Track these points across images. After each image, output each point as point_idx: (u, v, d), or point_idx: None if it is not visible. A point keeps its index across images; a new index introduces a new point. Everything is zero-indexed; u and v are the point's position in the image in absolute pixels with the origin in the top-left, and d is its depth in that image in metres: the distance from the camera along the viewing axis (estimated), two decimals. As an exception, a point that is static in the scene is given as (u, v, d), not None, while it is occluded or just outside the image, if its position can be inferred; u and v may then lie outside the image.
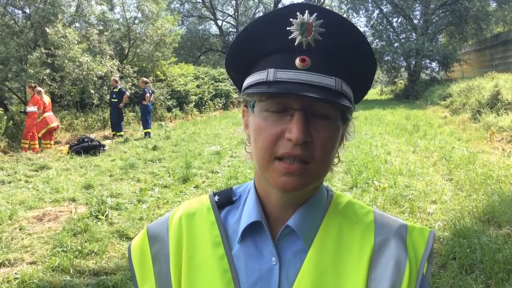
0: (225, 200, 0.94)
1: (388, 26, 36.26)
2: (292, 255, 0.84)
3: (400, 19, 35.74)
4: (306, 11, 0.75)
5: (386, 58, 35.49)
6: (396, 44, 34.57)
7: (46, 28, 14.82)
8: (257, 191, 0.89)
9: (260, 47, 0.81)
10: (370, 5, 36.76)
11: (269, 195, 0.86)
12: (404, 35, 35.42)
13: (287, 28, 0.76)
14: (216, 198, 0.94)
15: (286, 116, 0.76)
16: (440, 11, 32.75)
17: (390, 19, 36.03)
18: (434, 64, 34.60)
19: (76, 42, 15.23)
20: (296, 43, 0.76)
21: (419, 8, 34.73)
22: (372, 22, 36.94)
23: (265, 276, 0.83)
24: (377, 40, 35.97)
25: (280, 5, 42.37)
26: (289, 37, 0.76)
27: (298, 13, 0.75)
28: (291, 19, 0.76)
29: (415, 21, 34.71)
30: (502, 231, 5.03)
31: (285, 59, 0.78)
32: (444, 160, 9.06)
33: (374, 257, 0.82)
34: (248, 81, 0.82)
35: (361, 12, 37.93)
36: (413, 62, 32.65)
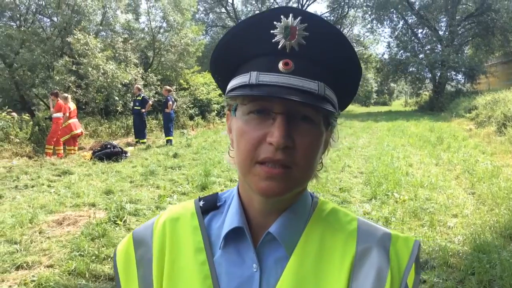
0: (209, 206, 0.93)
1: (413, 37, 36.00)
2: (273, 262, 0.83)
3: (425, 30, 35.48)
4: (290, 15, 0.75)
5: (410, 69, 35.22)
6: (421, 55, 34.27)
7: (67, 38, 15.14)
8: (241, 197, 0.88)
9: (244, 49, 0.80)
10: (394, 16, 36.62)
11: (252, 201, 0.85)
12: (429, 46, 35.11)
13: (271, 32, 0.76)
14: (201, 203, 0.94)
15: (269, 119, 0.76)
16: (466, 22, 32.38)
17: (415, 30, 35.79)
18: (459, 76, 34.18)
19: (98, 49, 15.50)
20: (279, 47, 0.76)
21: (444, 19, 34.42)
22: (396, 33, 36.78)
23: (245, 283, 0.82)
24: (401, 51, 35.72)
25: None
26: (273, 40, 0.76)
27: (282, 17, 0.75)
28: (275, 23, 0.75)
29: (441, 32, 34.40)
30: (524, 247, 4.90)
31: (269, 62, 0.77)
32: (467, 173, 8.89)
33: (355, 266, 0.81)
34: (232, 84, 0.82)
35: (385, 23, 37.82)
36: (438, 74, 32.31)
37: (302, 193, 0.87)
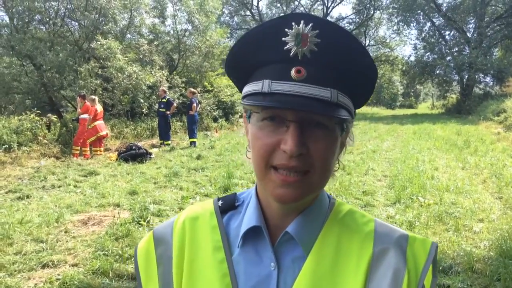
0: (228, 205, 0.95)
1: (440, 39, 35.46)
2: (291, 261, 0.84)
3: (452, 32, 34.87)
4: (302, 22, 0.74)
5: (437, 72, 34.71)
6: (448, 58, 33.72)
7: (91, 44, 15.42)
8: (259, 197, 0.89)
9: (257, 57, 0.80)
10: (421, 17, 36.12)
11: (269, 201, 0.86)
12: (456, 48, 34.52)
13: (283, 39, 0.75)
14: (220, 203, 0.96)
15: (282, 126, 0.76)
16: (495, 24, 31.70)
17: (442, 32, 35.24)
18: (488, 79, 33.50)
19: (119, 52, 15.71)
20: (291, 54, 0.76)
21: (473, 21, 33.78)
22: (423, 35, 36.30)
23: (263, 281, 0.83)
24: (428, 53, 35.21)
25: (329, 19, 42.35)
26: (285, 47, 0.76)
27: (293, 24, 0.74)
28: (286, 30, 0.75)
29: (469, 34, 33.77)
30: (553, 253, 4.77)
31: (281, 70, 0.77)
32: (494, 177, 8.71)
33: (372, 267, 0.81)
34: (246, 90, 0.83)
35: (412, 25, 37.32)
36: (466, 76, 31.75)
37: (319, 194, 0.88)
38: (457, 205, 6.87)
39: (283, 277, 0.83)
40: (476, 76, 31.60)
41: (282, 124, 0.76)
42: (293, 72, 0.75)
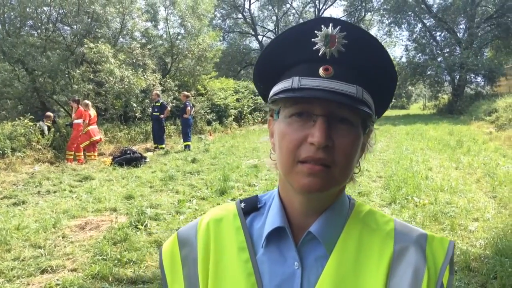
0: (250, 207, 0.97)
1: (431, 40, 35.67)
2: (314, 260, 0.87)
3: (443, 33, 35.08)
4: (330, 24, 0.80)
5: (429, 72, 34.89)
6: (439, 58, 33.93)
7: (81, 48, 15.39)
8: (281, 198, 0.92)
9: (286, 57, 0.85)
10: (412, 19, 36.33)
11: (292, 202, 0.89)
12: (447, 49, 34.74)
13: (312, 40, 0.80)
14: (242, 205, 0.98)
15: (309, 121, 0.80)
16: (486, 24, 31.95)
17: (433, 33, 35.44)
18: (479, 79, 33.71)
19: (111, 55, 15.70)
20: (320, 54, 0.80)
21: (463, 21, 34.03)
22: (414, 36, 36.47)
23: (287, 280, 0.86)
24: (419, 54, 35.40)
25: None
26: (314, 48, 0.80)
27: (322, 26, 0.80)
28: (316, 32, 0.80)
29: (459, 35, 34.01)
30: (547, 251, 4.83)
31: (310, 68, 0.82)
32: (488, 177, 8.79)
33: (393, 264, 0.84)
34: (274, 89, 0.87)
35: (403, 26, 37.51)
36: (457, 77, 31.95)
37: (340, 195, 0.91)
38: (452, 204, 6.93)
39: (307, 276, 0.86)
40: (467, 77, 31.77)
41: (309, 119, 0.80)
42: (321, 70, 0.80)
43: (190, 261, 0.94)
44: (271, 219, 0.91)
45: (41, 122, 12.89)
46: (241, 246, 0.92)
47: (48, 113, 13.63)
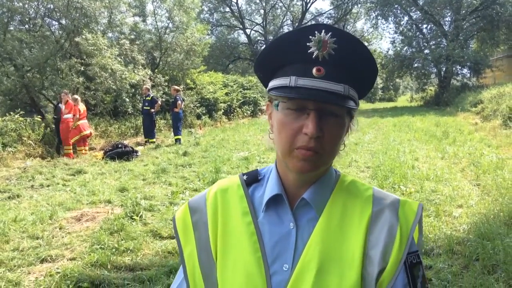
0: (252, 179, 1.15)
1: (417, 33, 35.98)
2: (306, 221, 1.04)
3: (430, 26, 35.39)
4: (323, 31, 0.94)
5: (415, 65, 35.22)
6: (426, 51, 34.26)
7: (76, 38, 15.37)
8: (278, 172, 1.09)
9: (285, 56, 1.00)
10: (399, 11, 36.58)
11: (287, 176, 1.06)
12: (434, 42, 35.09)
13: (307, 44, 0.95)
14: (245, 177, 1.16)
15: (304, 114, 0.96)
16: (471, 16, 32.29)
17: (420, 25, 35.76)
18: (465, 70, 34.14)
19: (106, 48, 15.73)
20: (313, 56, 0.95)
21: (449, 14, 34.36)
22: (401, 29, 36.74)
23: (284, 238, 1.03)
24: (406, 47, 35.69)
25: (307, 15, 42.62)
26: (308, 51, 0.95)
27: (316, 32, 0.94)
28: (310, 37, 0.95)
29: (446, 27, 34.34)
30: (527, 234, 5.06)
31: (304, 68, 0.97)
32: (472, 166, 9.04)
33: (371, 224, 1.02)
34: (274, 83, 1.02)
35: (390, 18, 37.76)
36: (444, 69, 32.32)
37: (328, 168, 1.09)
38: (437, 192, 7.17)
39: (301, 234, 1.03)
40: (454, 68, 32.15)
41: (304, 112, 0.96)
42: (314, 70, 0.95)
43: (200, 225, 1.11)
44: (270, 188, 1.09)
45: (60, 105, 12.86)
46: (245, 211, 1.09)
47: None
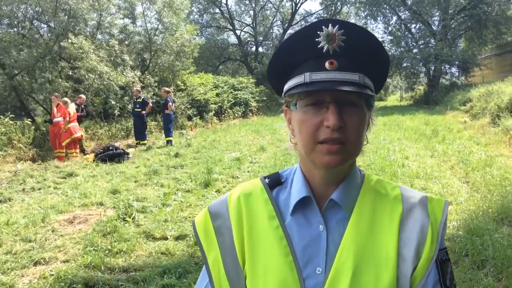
0: (274, 182, 1.14)
1: (406, 32, 36.17)
2: (336, 223, 1.03)
3: (418, 25, 35.63)
4: (330, 24, 0.95)
5: (405, 65, 35.39)
6: (415, 50, 34.48)
7: (62, 43, 15.31)
8: (303, 173, 1.09)
9: (296, 56, 1.01)
10: (388, 11, 36.79)
11: (313, 176, 1.05)
12: (422, 41, 35.34)
13: (316, 39, 0.96)
14: (267, 180, 1.15)
15: (322, 108, 0.96)
16: (459, 16, 32.56)
17: (408, 25, 35.95)
18: (454, 69, 34.41)
19: (92, 51, 15.68)
20: (324, 50, 0.96)
21: (437, 13, 34.61)
22: (390, 29, 36.92)
23: (315, 240, 1.02)
24: (395, 47, 35.87)
25: (297, 16, 42.69)
26: (318, 46, 0.96)
27: (323, 27, 0.96)
28: (318, 32, 0.96)
29: (434, 27, 34.60)
30: (515, 229, 5.15)
31: (317, 63, 0.97)
32: (461, 163, 9.15)
33: (402, 222, 1.02)
34: (289, 84, 1.02)
35: (379, 18, 37.95)
36: (433, 68, 32.54)
37: (352, 167, 1.08)
38: (427, 190, 7.25)
39: (331, 236, 1.02)
40: (442, 68, 32.37)
41: (322, 106, 0.96)
42: (327, 64, 0.96)
43: (224, 231, 1.09)
44: (296, 190, 1.07)
45: (73, 104, 12.90)
46: (271, 215, 1.07)
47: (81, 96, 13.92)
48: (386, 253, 0.99)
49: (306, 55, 0.99)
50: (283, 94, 1.07)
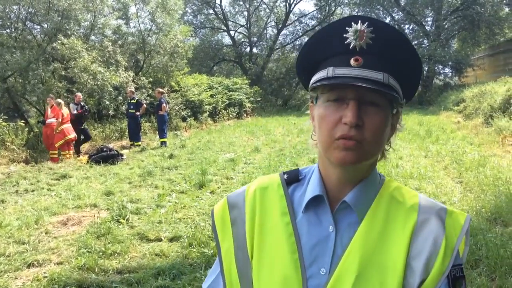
0: (292, 178, 1.13)
1: (400, 33, 36.28)
2: (346, 225, 1.01)
3: (411, 26, 35.78)
4: (359, 21, 0.94)
5: (398, 65, 35.48)
6: (408, 51, 34.57)
7: (53, 44, 15.25)
8: (320, 172, 1.07)
9: (322, 51, 1.00)
10: (381, 12, 36.91)
11: (329, 175, 1.03)
12: (416, 41, 35.45)
13: (344, 35, 0.95)
14: (285, 176, 1.14)
15: (343, 105, 0.95)
16: (452, 16, 32.73)
17: (402, 26, 36.07)
18: (447, 70, 34.58)
19: (84, 50, 15.62)
20: (351, 47, 0.95)
21: (430, 14, 34.77)
22: (383, 30, 37.01)
23: (323, 241, 1.01)
24: (389, 47, 35.94)
25: (291, 16, 42.75)
26: (345, 42, 0.95)
27: (352, 23, 0.94)
28: (346, 28, 0.95)
29: (427, 27, 34.75)
30: (508, 229, 5.20)
31: (342, 59, 0.96)
32: (455, 163, 9.20)
33: (415, 232, 0.98)
34: (313, 79, 1.02)
35: (372, 19, 38.01)
36: (426, 68, 32.65)
37: (371, 170, 1.05)
38: (421, 190, 7.28)
39: (340, 238, 1.00)
40: (436, 68, 32.55)
41: (343, 103, 0.94)
42: (352, 60, 0.95)
43: (238, 222, 1.10)
44: (311, 188, 1.05)
45: (71, 104, 12.84)
46: (284, 211, 1.06)
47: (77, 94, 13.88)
48: (394, 262, 0.96)
49: (333, 51, 0.99)
50: (308, 89, 1.06)
